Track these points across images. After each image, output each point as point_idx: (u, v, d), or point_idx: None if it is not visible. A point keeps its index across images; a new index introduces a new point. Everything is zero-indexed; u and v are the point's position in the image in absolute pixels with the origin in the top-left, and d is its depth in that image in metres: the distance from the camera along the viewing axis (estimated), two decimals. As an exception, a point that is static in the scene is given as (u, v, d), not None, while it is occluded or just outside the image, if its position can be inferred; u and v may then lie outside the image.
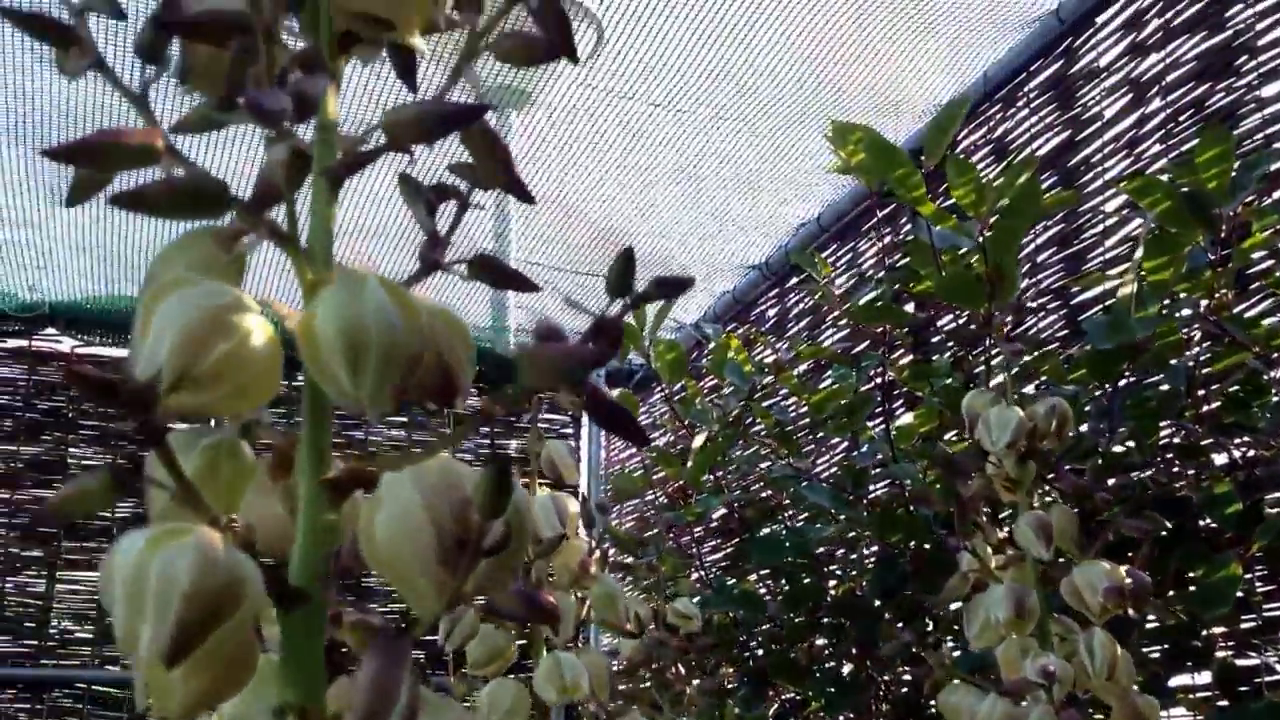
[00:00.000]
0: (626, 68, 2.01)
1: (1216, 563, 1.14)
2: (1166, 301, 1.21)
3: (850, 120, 1.46)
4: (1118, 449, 1.27)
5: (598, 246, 2.67)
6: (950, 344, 1.79)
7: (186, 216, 0.35)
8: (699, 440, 1.76)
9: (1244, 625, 1.30)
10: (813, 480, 1.69)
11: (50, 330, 3.14)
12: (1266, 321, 1.27)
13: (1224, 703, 1.24)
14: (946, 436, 1.52)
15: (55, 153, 0.36)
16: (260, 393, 0.37)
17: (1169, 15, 1.60)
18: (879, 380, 1.64)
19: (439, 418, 3.19)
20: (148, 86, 0.38)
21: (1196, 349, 1.26)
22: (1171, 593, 1.18)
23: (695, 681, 1.35)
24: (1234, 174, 1.19)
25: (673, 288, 0.40)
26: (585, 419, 3.37)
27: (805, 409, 1.84)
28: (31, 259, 2.83)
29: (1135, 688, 0.95)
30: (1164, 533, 1.08)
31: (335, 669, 0.38)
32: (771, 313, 2.70)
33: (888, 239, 2.19)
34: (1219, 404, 1.25)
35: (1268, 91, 1.45)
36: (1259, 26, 1.47)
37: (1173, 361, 1.22)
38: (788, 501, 1.82)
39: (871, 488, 1.71)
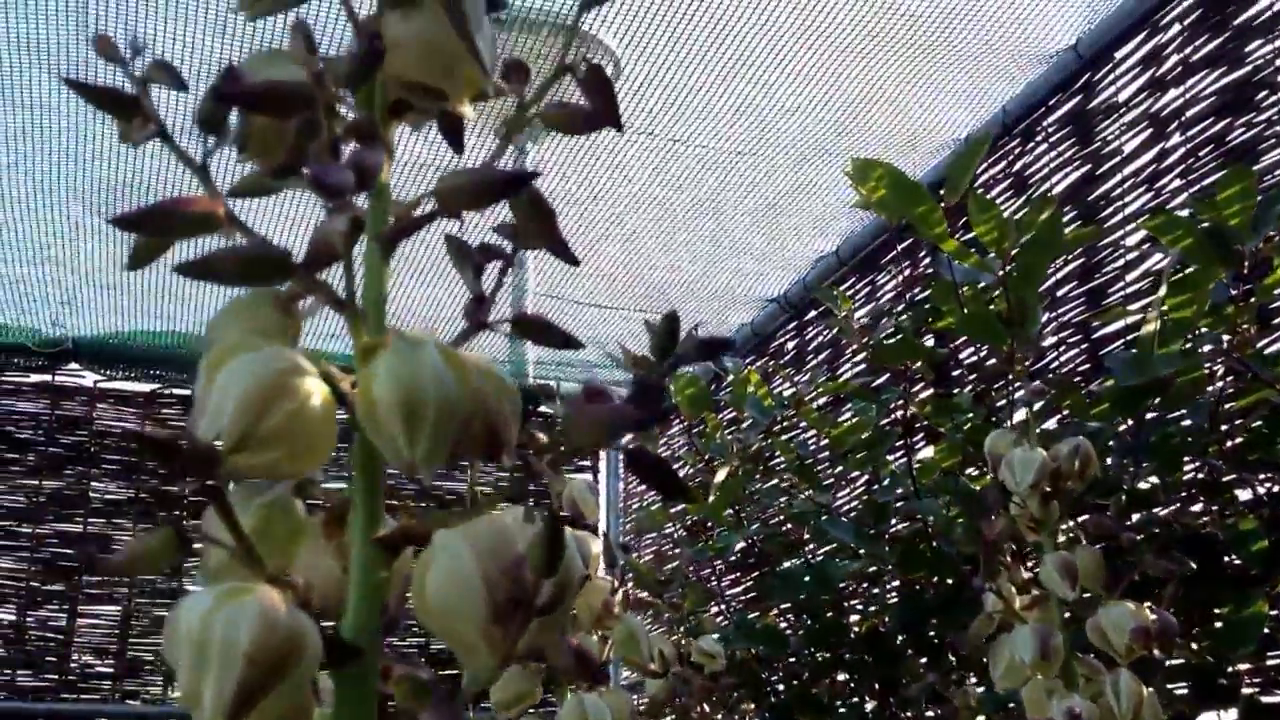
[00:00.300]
0: (648, 104, 2.03)
1: (1242, 600, 1.14)
2: (1189, 338, 1.21)
3: (869, 154, 1.47)
4: (1142, 485, 1.28)
5: (618, 279, 2.68)
6: (971, 377, 1.79)
7: (251, 284, 0.36)
8: (721, 475, 1.76)
9: (1270, 662, 1.30)
10: (834, 515, 1.69)
11: (73, 365, 3.17)
12: (1289, 357, 1.27)
13: (1251, 740, 1.24)
14: (968, 471, 1.52)
15: (122, 221, 0.37)
16: (318, 453, 0.38)
17: (1188, 51, 1.61)
18: (900, 414, 1.65)
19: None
20: (209, 155, 0.40)
21: (1220, 383, 1.26)
22: (1196, 630, 1.18)
23: (718, 719, 1.35)
24: (1255, 210, 1.19)
25: (713, 348, 0.40)
26: (604, 453, 3.38)
27: (825, 442, 1.85)
28: (55, 295, 2.86)
29: (1163, 727, 0.94)
30: (1189, 571, 1.08)
31: (388, 723, 0.38)
32: (790, 345, 2.71)
33: (907, 272, 2.19)
34: (1242, 439, 1.25)
35: (1288, 127, 1.46)
36: (1279, 62, 1.48)
37: (1199, 400, 1.22)
38: (808, 536, 1.83)
39: (893, 522, 1.71)
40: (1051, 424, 1.40)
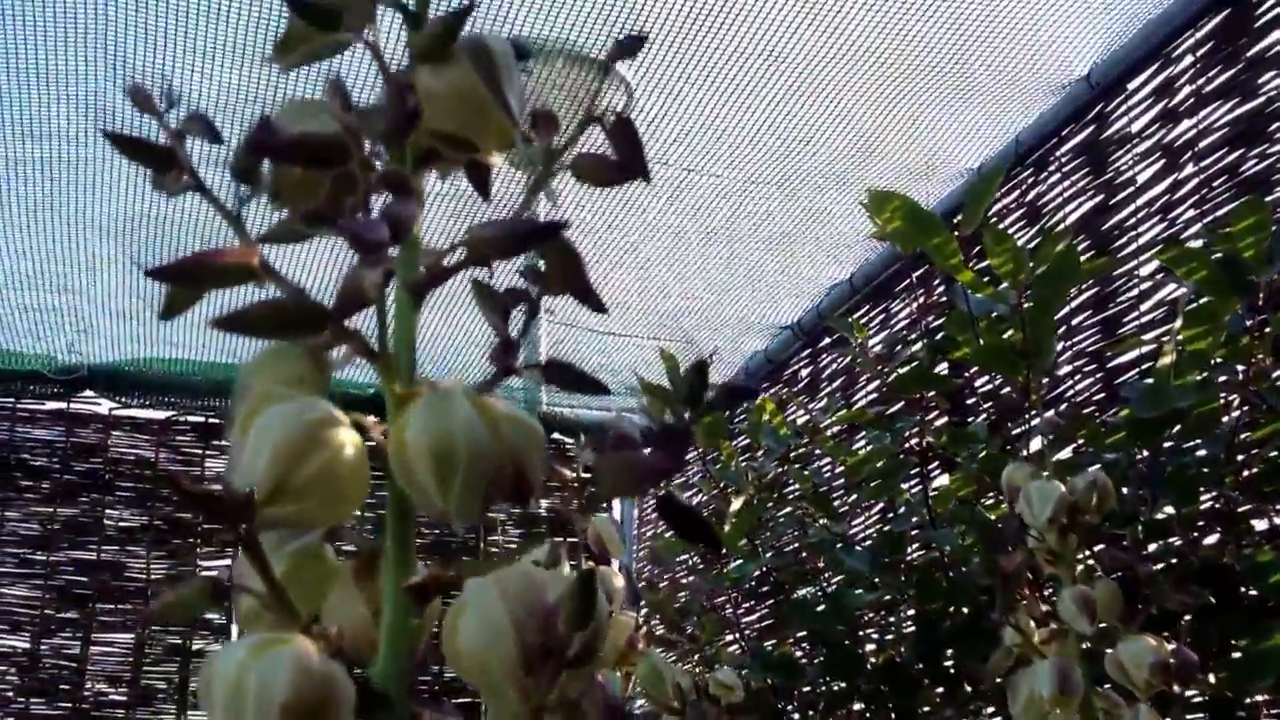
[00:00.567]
0: (662, 134, 2.04)
1: (1260, 632, 1.14)
2: (1205, 369, 1.21)
3: (882, 183, 1.48)
4: (1158, 515, 1.27)
5: (632, 306, 2.69)
6: (987, 405, 1.79)
7: (286, 337, 0.37)
8: (736, 504, 1.76)
9: (1289, 694, 1.29)
10: (849, 544, 1.69)
11: (88, 392, 3.18)
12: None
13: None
14: (984, 500, 1.52)
15: (158, 273, 0.38)
16: (350, 502, 0.38)
17: (1200, 82, 1.61)
18: (915, 443, 1.65)
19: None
20: (243, 205, 0.40)
21: (1236, 413, 1.26)
22: (1214, 663, 1.18)
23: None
24: (1270, 241, 1.19)
25: (739, 396, 0.41)
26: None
27: (840, 469, 1.85)
28: (71, 323, 2.87)
29: (1184, 762, 0.94)
30: (1206, 603, 1.08)
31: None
32: (804, 373, 2.71)
33: (921, 300, 2.20)
34: (1258, 470, 1.25)
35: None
36: (1291, 94, 1.49)
37: (1216, 431, 1.22)
38: (823, 565, 1.82)
39: (909, 550, 1.71)
40: (1067, 452, 1.40)
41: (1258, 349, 1.21)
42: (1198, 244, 1.29)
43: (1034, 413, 1.25)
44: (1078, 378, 1.78)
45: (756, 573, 1.97)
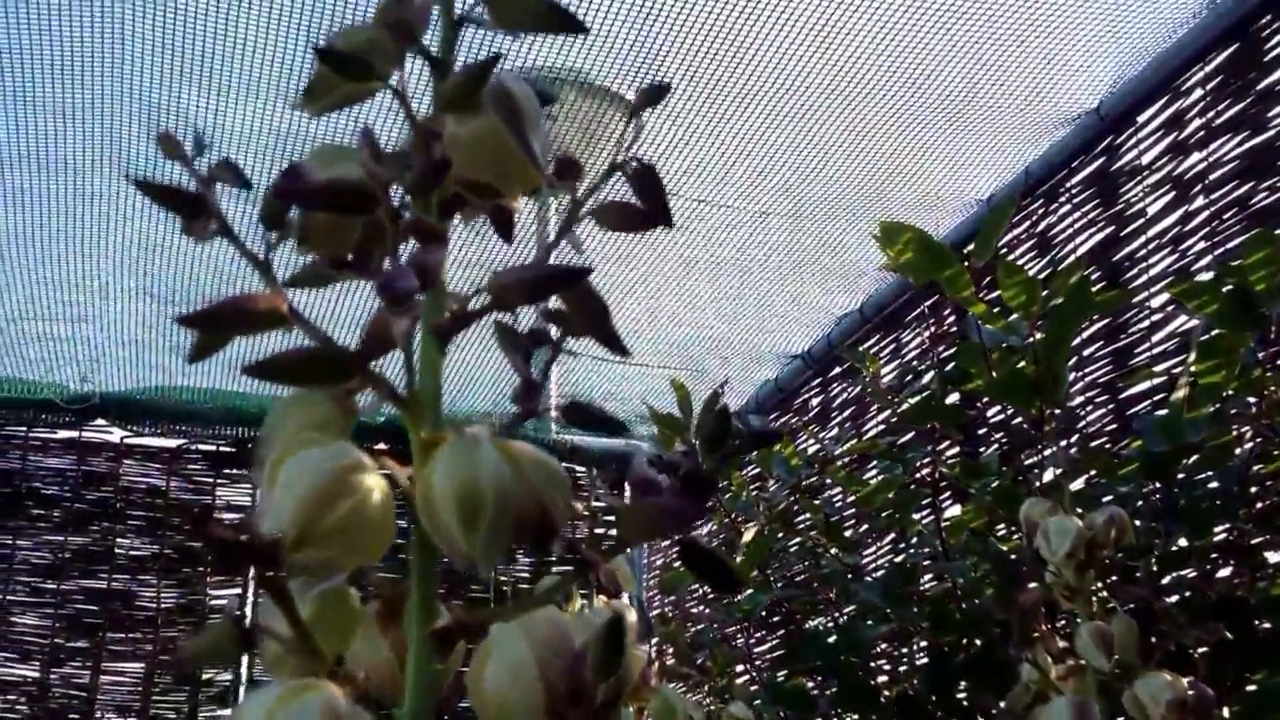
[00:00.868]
0: (673, 166, 2.05)
1: (1276, 666, 1.13)
2: (1218, 404, 1.21)
3: (892, 214, 1.49)
4: (1172, 548, 1.27)
5: (642, 335, 2.69)
6: (998, 435, 1.79)
7: (315, 384, 0.37)
8: (748, 535, 1.76)
9: (1306, 728, 1.28)
10: (861, 574, 1.68)
11: (100, 421, 3.19)
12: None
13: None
14: (997, 530, 1.51)
15: (187, 320, 0.38)
16: (377, 548, 0.38)
17: (1210, 115, 1.62)
18: (926, 474, 1.64)
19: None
20: (270, 250, 0.41)
21: (1249, 444, 1.26)
22: (1230, 696, 1.17)
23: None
24: (1281, 274, 1.19)
25: (763, 441, 0.41)
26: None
27: (852, 499, 1.84)
28: (84, 352, 2.88)
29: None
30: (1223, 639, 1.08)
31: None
32: (815, 402, 2.71)
33: (931, 329, 2.20)
34: (1272, 502, 1.25)
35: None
36: (1301, 127, 1.49)
37: (1230, 464, 1.22)
38: (835, 596, 1.82)
39: (922, 580, 1.70)
40: (1080, 483, 1.40)
41: (1270, 381, 1.21)
42: (1208, 276, 1.29)
43: (1047, 444, 1.25)
44: (1090, 408, 1.78)
45: (768, 603, 1.97)
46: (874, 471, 1.95)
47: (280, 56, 1.81)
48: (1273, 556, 1.28)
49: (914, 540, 1.69)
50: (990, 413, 1.79)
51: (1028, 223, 1.99)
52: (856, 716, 1.62)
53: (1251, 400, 1.22)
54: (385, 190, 0.37)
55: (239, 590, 3.22)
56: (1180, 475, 1.29)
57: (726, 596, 1.97)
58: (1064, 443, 1.18)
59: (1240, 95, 1.58)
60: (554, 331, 0.45)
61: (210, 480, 3.28)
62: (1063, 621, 1.13)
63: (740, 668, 2.00)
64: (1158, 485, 1.30)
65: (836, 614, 1.82)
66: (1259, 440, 1.24)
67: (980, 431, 1.85)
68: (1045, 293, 1.27)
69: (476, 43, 0.45)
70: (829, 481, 1.94)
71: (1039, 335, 1.27)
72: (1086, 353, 1.80)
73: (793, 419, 2.73)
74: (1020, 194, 1.96)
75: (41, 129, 2.01)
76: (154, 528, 3.22)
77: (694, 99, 1.90)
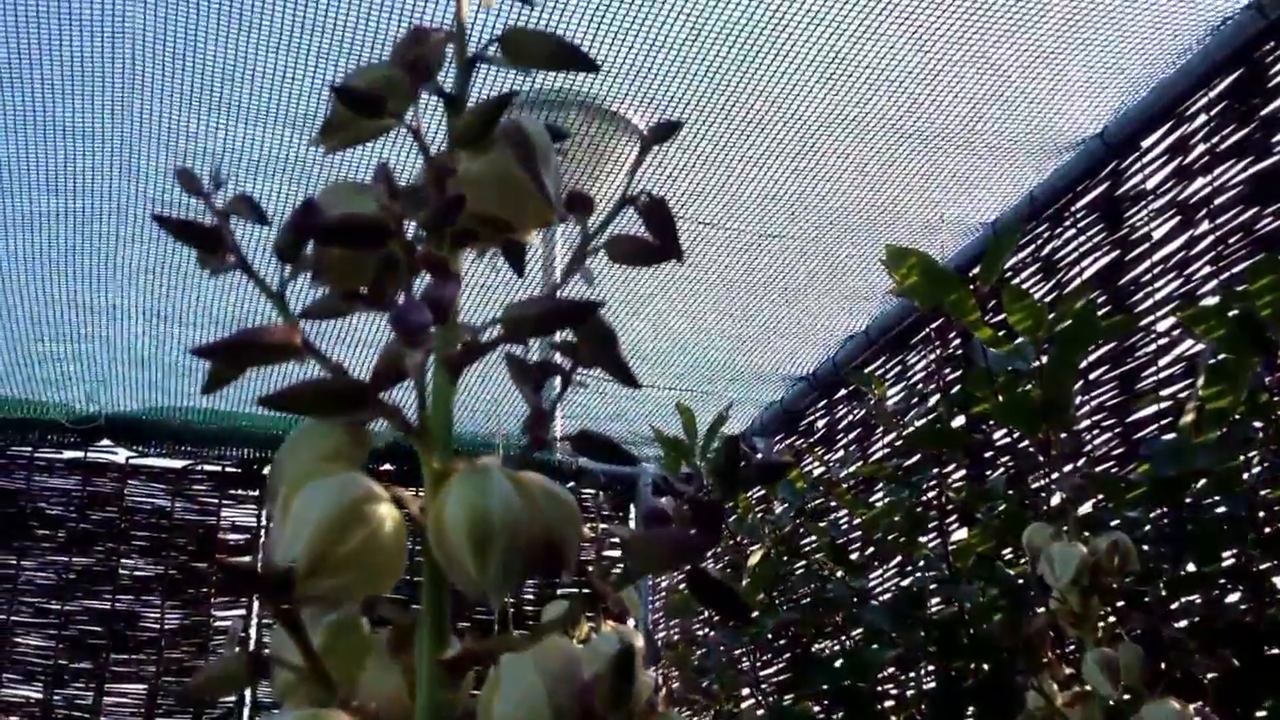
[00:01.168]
0: (678, 190, 2.06)
1: (1285, 692, 1.13)
2: (1225, 429, 1.21)
3: (896, 237, 1.49)
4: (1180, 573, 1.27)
5: (647, 357, 2.70)
6: (1005, 459, 1.79)
7: (329, 416, 0.38)
8: (755, 558, 1.76)
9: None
10: (868, 598, 1.68)
11: (105, 441, 3.19)
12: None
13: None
14: (1004, 553, 1.51)
15: (204, 352, 0.39)
16: (389, 577, 0.39)
17: (1214, 140, 1.63)
18: (933, 498, 1.64)
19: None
20: (286, 284, 0.41)
21: (1257, 469, 1.26)
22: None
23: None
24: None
25: (774, 473, 0.41)
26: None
27: (858, 522, 1.84)
28: (91, 372, 2.89)
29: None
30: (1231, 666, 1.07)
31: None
32: (820, 424, 2.71)
33: (937, 352, 2.20)
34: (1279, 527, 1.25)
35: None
36: (1306, 152, 1.50)
37: (1238, 489, 1.22)
38: (842, 620, 1.81)
39: (930, 604, 1.70)
40: (1087, 507, 1.40)
41: (1278, 406, 1.21)
42: (1214, 301, 1.29)
43: (1053, 469, 1.25)
44: (1096, 432, 1.78)
45: (774, 627, 1.96)
46: (880, 494, 1.95)
47: (289, 81, 1.83)
48: (1280, 582, 1.28)
49: (921, 564, 1.68)
50: (997, 436, 1.79)
51: (1033, 247, 2.00)
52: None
53: (1259, 425, 1.22)
54: (400, 225, 0.38)
55: (243, 612, 3.21)
56: (1188, 500, 1.29)
57: (733, 621, 1.97)
58: (1070, 467, 1.18)
59: (1244, 121, 1.59)
60: (564, 361, 0.45)
61: (215, 501, 3.28)
62: (1070, 647, 1.13)
63: (746, 692, 2.00)
64: (1166, 510, 1.30)
65: (843, 638, 1.82)
66: (1267, 465, 1.24)
67: (987, 455, 1.85)
68: (1051, 317, 1.27)
69: (489, 76, 0.46)
70: (835, 504, 1.94)
71: (1045, 360, 1.27)
72: (1092, 377, 1.80)
73: (798, 441, 2.73)
74: (1025, 218, 1.97)
75: (50, 151, 2.02)
76: (158, 549, 3.22)
77: (701, 124, 1.91)
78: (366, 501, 0.38)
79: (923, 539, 1.76)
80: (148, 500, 3.25)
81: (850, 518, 1.94)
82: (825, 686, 1.72)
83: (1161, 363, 1.69)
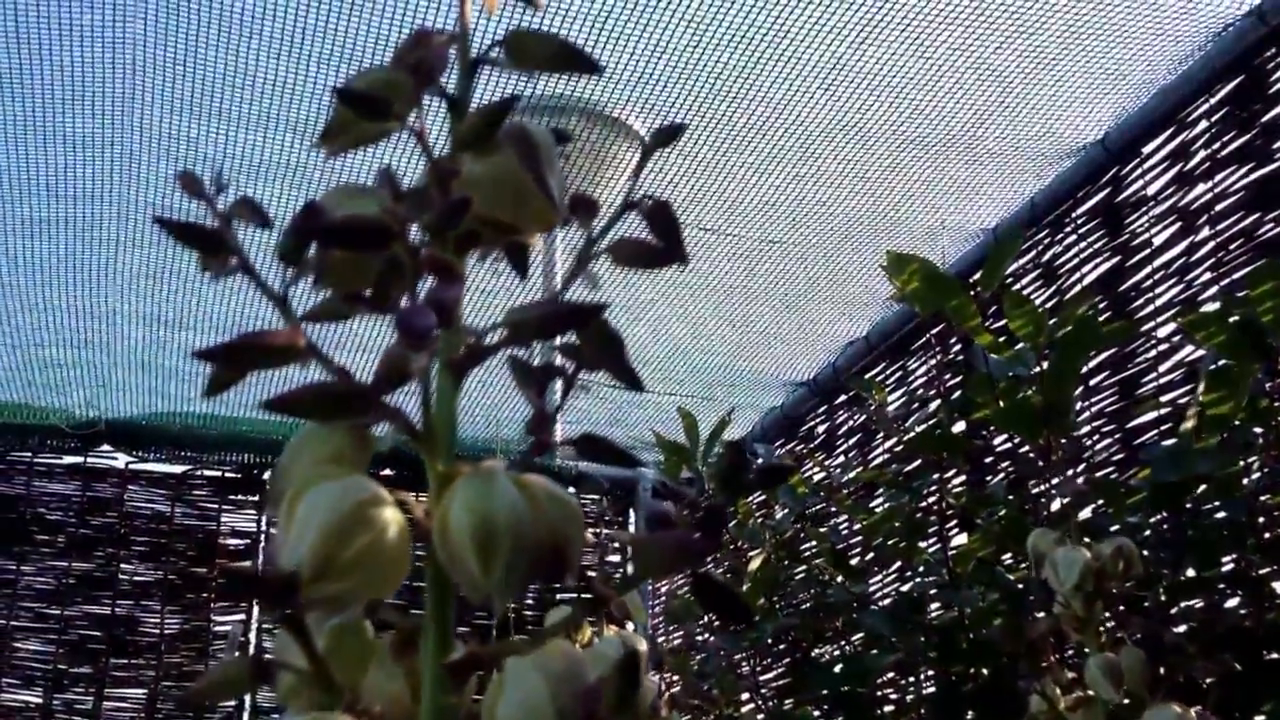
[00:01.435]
0: (679, 195, 2.06)
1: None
2: (1225, 435, 1.21)
3: (897, 244, 1.49)
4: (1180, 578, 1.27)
5: (647, 363, 2.70)
6: (1005, 464, 1.79)
7: (333, 419, 0.38)
8: (756, 563, 1.76)
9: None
10: (868, 603, 1.68)
11: (105, 447, 3.19)
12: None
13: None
14: (1004, 559, 1.51)
15: (206, 354, 0.39)
16: (393, 581, 0.39)
17: (1215, 147, 1.63)
18: (933, 503, 1.64)
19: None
20: (289, 287, 0.41)
21: (1257, 475, 1.26)
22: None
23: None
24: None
25: (778, 476, 0.41)
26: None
27: (858, 526, 1.84)
28: (91, 376, 2.89)
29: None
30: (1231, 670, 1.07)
31: None
32: (821, 429, 2.71)
33: (938, 358, 2.20)
34: (1280, 533, 1.25)
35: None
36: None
37: (1238, 494, 1.22)
38: (842, 625, 1.81)
39: (930, 609, 1.70)
40: (1087, 512, 1.40)
41: (1278, 412, 1.21)
42: (1214, 307, 1.29)
43: (1054, 474, 1.25)
44: (1096, 438, 1.78)
45: (774, 632, 1.96)
46: (880, 500, 1.95)
47: (290, 87, 1.83)
48: (1280, 587, 1.28)
49: (921, 569, 1.68)
50: (997, 442, 1.79)
51: (1034, 253, 2.00)
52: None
53: (1259, 430, 1.22)
54: (404, 227, 0.38)
55: (243, 616, 3.21)
56: (1188, 505, 1.29)
57: (735, 626, 1.97)
58: (1071, 472, 1.18)
59: (1245, 128, 1.59)
60: (568, 365, 0.45)
61: (215, 506, 3.28)
62: (1071, 652, 1.13)
63: (746, 697, 1.99)
64: (1166, 515, 1.30)
65: (843, 643, 1.82)
66: (1267, 471, 1.24)
67: (987, 461, 1.85)
68: (1052, 323, 1.27)
69: (490, 81, 0.46)
70: (835, 509, 1.94)
71: (1046, 365, 1.27)
72: (1093, 382, 1.80)
73: (799, 446, 2.73)
74: (1026, 224, 1.97)
75: (50, 157, 2.02)
76: (158, 554, 3.22)
77: (701, 130, 1.92)
78: (371, 505, 0.38)
79: (923, 544, 1.76)
80: (147, 505, 3.25)
81: (850, 523, 1.93)
82: (825, 691, 1.71)
83: (1162, 368, 1.69)
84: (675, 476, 2.44)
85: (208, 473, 3.28)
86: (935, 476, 1.61)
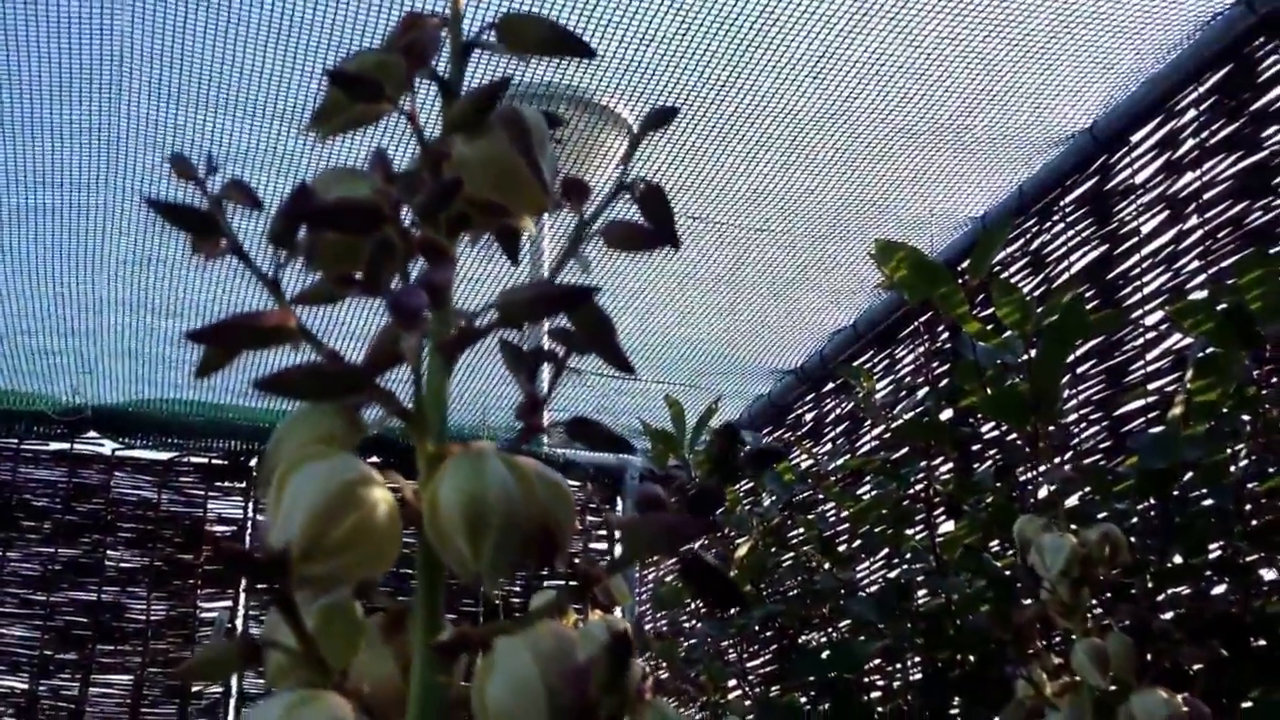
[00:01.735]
0: (666, 183, 2.05)
1: (1272, 682, 1.14)
2: (1213, 422, 1.22)
3: (886, 232, 1.50)
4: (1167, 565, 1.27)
5: (635, 351, 2.70)
6: (993, 452, 1.79)
7: (324, 399, 0.38)
8: (742, 550, 1.76)
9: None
10: (855, 590, 1.69)
11: (91, 433, 3.19)
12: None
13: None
14: (991, 546, 1.52)
15: (197, 335, 0.39)
16: (383, 560, 0.39)
17: (1204, 135, 1.63)
18: (921, 490, 1.65)
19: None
20: (280, 270, 0.41)
21: (1245, 462, 1.27)
22: (1226, 715, 1.17)
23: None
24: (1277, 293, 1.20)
25: (769, 459, 0.41)
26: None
27: (845, 514, 1.85)
28: (76, 363, 2.88)
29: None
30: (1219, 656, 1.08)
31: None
32: (808, 417, 2.71)
33: (926, 346, 2.21)
34: (1266, 519, 1.26)
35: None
36: (1294, 147, 1.51)
37: (1225, 481, 1.22)
38: (829, 612, 1.82)
39: (917, 595, 1.71)
40: (1074, 499, 1.40)
41: (1265, 399, 1.22)
42: (1202, 295, 1.30)
43: (1041, 461, 1.25)
44: (1084, 425, 1.79)
45: (761, 619, 1.96)
46: (868, 487, 1.95)
47: (278, 75, 1.82)
48: (1268, 574, 1.28)
49: (908, 556, 1.69)
50: (985, 429, 1.79)
51: (1021, 241, 2.00)
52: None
53: (1247, 418, 1.23)
54: (395, 209, 0.38)
55: (229, 603, 3.21)
56: (1176, 493, 1.29)
57: (723, 612, 1.97)
58: (1058, 459, 1.19)
59: (1234, 116, 1.59)
60: (558, 348, 0.45)
61: (202, 493, 3.27)
62: (1058, 638, 1.14)
63: (733, 683, 2.00)
64: (1153, 503, 1.31)
65: (830, 630, 1.83)
66: (1254, 458, 1.25)
67: (975, 448, 1.86)
68: (1040, 311, 1.27)
69: (482, 65, 0.46)
70: (823, 497, 1.95)
71: (1033, 353, 1.27)
72: (1080, 370, 1.81)
73: (786, 434, 2.73)
74: (1014, 213, 1.98)
75: (37, 146, 2.01)
76: (144, 540, 3.21)
77: (690, 118, 1.91)
78: (361, 484, 0.38)
79: (910, 531, 1.77)
80: (134, 492, 3.25)
81: (838, 510, 1.94)
82: (812, 678, 1.72)
83: (1149, 356, 1.69)
84: (663, 464, 2.44)
85: (194, 459, 3.27)
86: (923, 464, 1.62)
